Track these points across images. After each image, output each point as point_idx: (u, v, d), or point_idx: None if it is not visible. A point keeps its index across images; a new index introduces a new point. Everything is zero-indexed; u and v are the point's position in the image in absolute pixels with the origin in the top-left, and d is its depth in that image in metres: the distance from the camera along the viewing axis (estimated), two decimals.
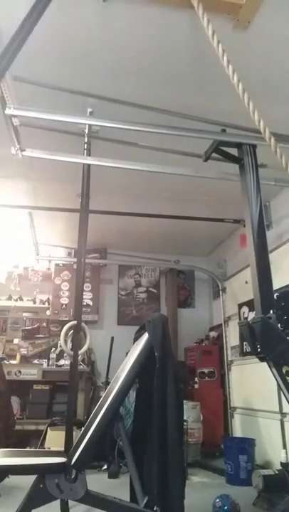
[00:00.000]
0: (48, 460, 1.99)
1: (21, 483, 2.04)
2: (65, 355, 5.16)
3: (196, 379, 5.07)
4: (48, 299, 5.53)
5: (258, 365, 2.06)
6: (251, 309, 4.35)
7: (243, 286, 4.52)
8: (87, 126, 2.86)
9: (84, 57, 2.52)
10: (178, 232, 5.25)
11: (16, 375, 4.90)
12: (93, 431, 1.92)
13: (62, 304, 5.49)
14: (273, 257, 2.64)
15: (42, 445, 4.20)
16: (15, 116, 2.67)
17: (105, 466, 3.90)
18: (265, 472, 3.10)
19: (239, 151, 2.37)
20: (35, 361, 5.28)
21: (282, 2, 2.15)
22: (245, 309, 4.60)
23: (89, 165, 2.99)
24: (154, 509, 1.86)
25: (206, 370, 5.12)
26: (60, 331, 5.11)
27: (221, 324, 5.29)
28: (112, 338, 4.89)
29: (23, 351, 5.33)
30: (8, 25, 2.27)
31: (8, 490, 2.82)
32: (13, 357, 5.24)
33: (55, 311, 5.45)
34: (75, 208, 3.23)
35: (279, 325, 1.90)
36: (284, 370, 1.84)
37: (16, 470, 1.96)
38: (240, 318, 4.66)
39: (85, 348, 5.09)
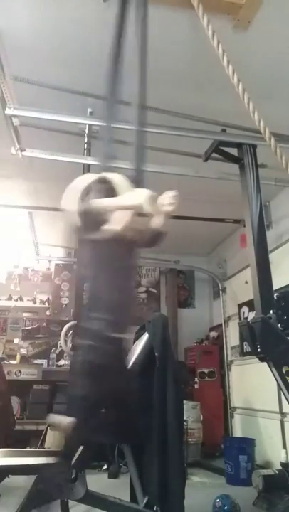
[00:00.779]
0: (48, 460, 1.99)
1: (21, 483, 2.04)
2: (65, 355, 5.16)
3: (196, 379, 5.07)
4: (48, 299, 5.53)
5: (258, 365, 2.06)
6: (251, 309, 4.35)
7: (243, 286, 4.52)
8: (87, 126, 2.86)
9: (84, 58, 2.52)
10: (178, 232, 5.23)
11: (16, 375, 4.90)
12: None
13: (63, 304, 5.49)
14: (273, 257, 2.64)
15: (42, 445, 4.20)
16: (15, 116, 2.67)
17: (105, 466, 3.90)
18: (265, 472, 3.10)
19: (239, 151, 2.38)
20: (35, 361, 5.28)
21: (282, 2, 2.15)
22: (245, 309, 4.60)
23: (89, 165, 2.99)
24: (154, 509, 1.86)
25: (206, 370, 5.12)
26: (60, 331, 5.10)
27: (221, 324, 5.30)
28: None
29: (23, 351, 5.33)
30: (9, 25, 2.28)
31: (8, 490, 2.82)
32: (13, 357, 5.24)
33: (55, 311, 5.45)
34: None
35: (279, 325, 1.90)
36: (284, 370, 1.84)
37: (16, 470, 1.96)
38: (240, 318, 4.66)
39: None
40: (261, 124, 1.89)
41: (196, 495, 3.01)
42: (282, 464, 3.31)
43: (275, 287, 2.08)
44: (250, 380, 4.33)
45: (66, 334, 5.00)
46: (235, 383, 4.83)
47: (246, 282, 4.35)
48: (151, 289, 6.06)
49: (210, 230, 5.14)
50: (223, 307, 5.26)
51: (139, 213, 1.20)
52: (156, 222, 1.26)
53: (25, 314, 5.59)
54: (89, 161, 2.93)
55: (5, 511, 2.58)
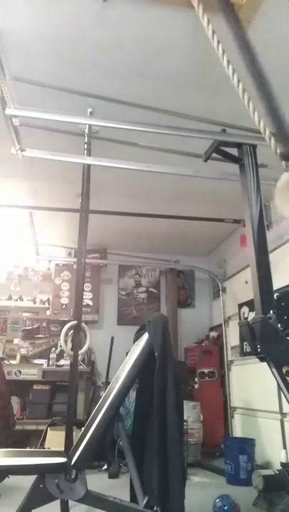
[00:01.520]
0: (48, 460, 1.99)
1: (21, 483, 2.04)
2: (65, 355, 5.16)
3: (196, 379, 5.07)
4: (48, 299, 5.54)
5: (258, 365, 2.06)
6: (251, 309, 4.35)
7: (243, 286, 4.53)
8: (87, 126, 2.86)
9: (84, 57, 2.52)
10: (178, 232, 5.25)
11: (16, 375, 4.90)
12: (93, 431, 1.92)
13: (62, 304, 5.49)
14: (273, 257, 2.64)
15: (42, 445, 4.20)
16: (15, 116, 2.67)
17: (105, 466, 3.90)
18: (265, 472, 3.10)
19: (239, 151, 2.37)
20: (35, 361, 5.28)
21: (282, 2, 2.14)
22: (245, 309, 4.60)
23: (89, 165, 3.00)
24: (154, 509, 1.86)
25: (206, 370, 5.12)
26: (60, 331, 5.11)
27: (221, 324, 5.30)
28: (112, 338, 4.89)
29: (23, 351, 5.33)
30: (8, 26, 2.28)
31: (8, 490, 2.82)
32: (13, 357, 5.24)
33: (55, 311, 5.45)
34: (75, 208, 3.23)
35: (279, 325, 1.90)
36: (284, 370, 1.84)
37: (16, 470, 1.96)
38: (240, 318, 4.66)
39: (85, 348, 5.09)
40: (261, 124, 1.89)
41: (196, 495, 3.01)
42: (282, 464, 3.31)
43: (275, 287, 2.08)
44: (250, 380, 4.33)
45: (66, 334, 5.02)
46: (235, 383, 4.83)
47: (246, 282, 4.36)
48: (151, 289, 6.06)
49: (210, 230, 5.14)
50: (223, 307, 5.26)
51: None
52: None
53: (25, 314, 5.59)
54: (89, 161, 2.93)
55: (5, 511, 2.58)
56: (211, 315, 6.02)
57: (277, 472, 3.12)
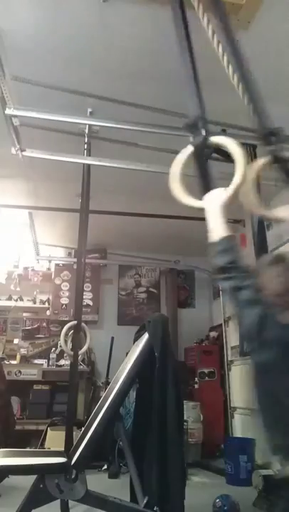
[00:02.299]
0: (48, 460, 1.99)
1: (21, 483, 2.04)
2: (65, 355, 5.16)
3: (196, 379, 5.07)
4: (48, 299, 5.53)
5: None
6: None
7: None
8: (87, 126, 2.86)
9: (84, 57, 2.52)
10: (178, 232, 5.24)
11: (16, 375, 4.90)
12: (93, 431, 1.92)
13: (62, 304, 5.49)
14: None
15: (42, 445, 4.20)
16: (15, 116, 2.67)
17: (105, 466, 3.90)
18: (265, 472, 3.10)
19: None
20: (35, 361, 5.28)
21: (282, 2, 2.15)
22: None
23: (89, 165, 2.99)
24: (154, 509, 1.86)
25: (206, 370, 5.12)
26: (60, 331, 5.09)
27: (221, 324, 5.29)
28: (112, 338, 4.89)
29: (23, 351, 5.32)
30: (9, 26, 2.28)
31: (8, 490, 2.82)
32: (13, 357, 5.24)
33: (55, 311, 5.45)
34: (75, 208, 3.23)
35: None
36: None
37: (16, 470, 1.96)
38: None
39: (85, 348, 5.07)
40: None
41: (196, 495, 3.00)
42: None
43: None
44: (250, 380, 4.33)
45: (66, 334, 5.01)
46: (235, 383, 4.82)
47: None
48: (151, 289, 6.06)
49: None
50: (223, 307, 5.26)
51: None
52: None
53: (25, 314, 5.59)
54: (89, 161, 2.93)
55: (5, 511, 2.58)
56: (211, 315, 6.02)
57: (277, 472, 3.12)
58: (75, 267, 5.27)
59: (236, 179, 1.32)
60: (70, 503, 2.12)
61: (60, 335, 5.04)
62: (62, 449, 2.42)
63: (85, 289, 5.08)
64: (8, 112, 2.55)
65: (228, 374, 4.94)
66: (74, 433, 2.79)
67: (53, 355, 5.24)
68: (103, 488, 2.29)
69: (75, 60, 2.53)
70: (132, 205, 4.43)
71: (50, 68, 2.58)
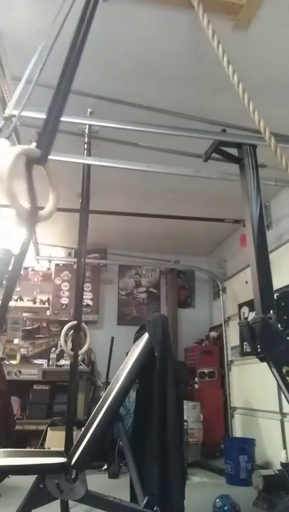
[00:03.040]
0: (48, 460, 1.98)
1: (21, 483, 2.04)
2: (65, 355, 5.16)
3: (196, 379, 5.07)
4: (48, 299, 5.53)
5: (258, 365, 2.06)
6: (251, 309, 4.35)
7: (243, 286, 4.52)
8: (87, 126, 2.86)
9: (84, 57, 2.51)
10: (178, 232, 5.25)
11: (16, 375, 4.90)
12: (93, 431, 1.92)
13: (63, 304, 5.49)
14: (273, 257, 2.64)
15: (42, 445, 4.20)
16: (15, 116, 2.67)
17: (105, 466, 3.90)
18: (265, 472, 3.10)
19: (239, 151, 2.37)
20: (35, 361, 5.28)
21: (282, 2, 2.15)
22: (245, 309, 4.60)
23: (89, 165, 2.99)
24: (154, 509, 1.86)
25: (206, 370, 5.12)
26: (60, 331, 5.09)
27: (221, 324, 5.29)
28: (112, 338, 4.89)
29: (23, 351, 5.32)
30: (9, 26, 2.28)
31: (8, 490, 2.82)
32: (13, 357, 5.23)
33: (55, 311, 5.45)
34: (75, 207, 3.23)
35: (279, 325, 1.90)
36: (284, 370, 1.84)
37: (16, 470, 1.96)
38: (240, 319, 4.66)
39: (85, 348, 5.06)
40: (261, 124, 1.89)
41: (196, 495, 3.01)
42: (282, 464, 3.31)
43: (275, 287, 2.08)
44: (250, 380, 4.33)
45: (66, 334, 5.01)
46: (235, 383, 4.83)
47: (246, 282, 4.35)
48: (151, 289, 6.06)
49: (210, 230, 5.14)
50: (223, 307, 5.26)
51: None
52: None
53: (25, 314, 5.59)
54: (89, 161, 2.93)
55: (5, 511, 2.58)
56: (211, 315, 6.02)
57: (277, 472, 3.12)
58: (75, 267, 5.27)
59: None
60: (70, 503, 2.11)
61: (60, 335, 5.04)
62: (63, 449, 2.42)
63: (85, 289, 5.09)
64: (8, 111, 2.55)
65: (228, 374, 4.94)
66: (74, 433, 2.79)
67: (53, 355, 5.24)
68: (103, 488, 2.29)
69: None
70: (132, 205, 4.43)
71: (50, 68, 2.57)
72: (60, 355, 5.24)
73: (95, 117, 2.81)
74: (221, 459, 3.97)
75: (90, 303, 5.61)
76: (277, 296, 2.09)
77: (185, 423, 3.82)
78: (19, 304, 5.41)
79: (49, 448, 3.97)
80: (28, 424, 4.63)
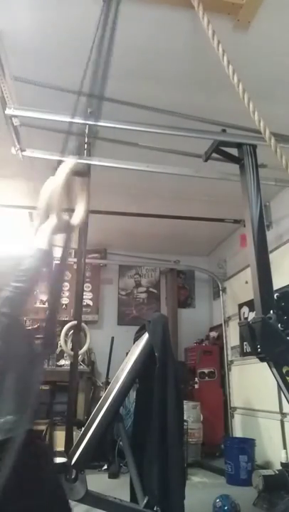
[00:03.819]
0: None
1: None
2: (65, 355, 5.16)
3: (196, 379, 5.07)
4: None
5: (258, 365, 2.06)
6: (251, 309, 4.35)
7: (243, 286, 4.52)
8: (87, 126, 2.86)
9: (84, 57, 2.51)
10: (178, 232, 5.24)
11: None
12: (93, 431, 1.92)
13: (63, 304, 5.49)
14: (273, 257, 2.64)
15: None
16: (15, 116, 2.67)
17: (105, 466, 3.90)
18: (265, 472, 3.10)
19: (239, 151, 2.37)
20: None
21: (282, 2, 2.15)
22: (245, 309, 4.60)
23: (89, 165, 2.99)
24: (154, 509, 1.86)
25: (206, 370, 5.12)
26: (60, 331, 5.10)
27: (221, 324, 5.30)
28: (112, 338, 4.89)
29: None
30: (9, 26, 2.28)
31: None
32: None
33: None
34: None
35: (279, 325, 1.90)
36: (284, 370, 1.84)
37: None
38: (240, 319, 4.66)
39: (85, 348, 5.08)
40: (261, 124, 1.89)
41: (196, 495, 3.00)
42: (282, 464, 3.31)
43: (275, 287, 2.08)
44: (250, 380, 4.33)
45: (66, 334, 5.01)
46: (235, 383, 4.83)
47: (246, 282, 4.35)
48: (151, 289, 6.06)
49: (210, 230, 5.14)
50: (223, 307, 5.26)
51: None
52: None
53: None
54: (89, 161, 2.92)
55: None
56: (211, 315, 6.02)
57: (277, 472, 3.12)
58: (75, 267, 5.27)
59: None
60: (70, 503, 2.11)
61: (60, 335, 5.05)
62: (63, 449, 2.42)
63: (85, 289, 5.09)
64: (8, 112, 2.55)
65: (228, 374, 4.94)
66: (74, 433, 2.79)
67: (52, 355, 5.23)
68: (103, 488, 2.29)
69: (75, 60, 2.53)
70: (132, 205, 4.43)
71: (50, 68, 2.58)
72: (60, 355, 5.24)
73: (95, 117, 2.80)
74: (221, 459, 3.97)
75: (90, 303, 5.61)
76: (277, 296, 2.09)
77: (185, 423, 3.81)
78: None
79: None
80: None
